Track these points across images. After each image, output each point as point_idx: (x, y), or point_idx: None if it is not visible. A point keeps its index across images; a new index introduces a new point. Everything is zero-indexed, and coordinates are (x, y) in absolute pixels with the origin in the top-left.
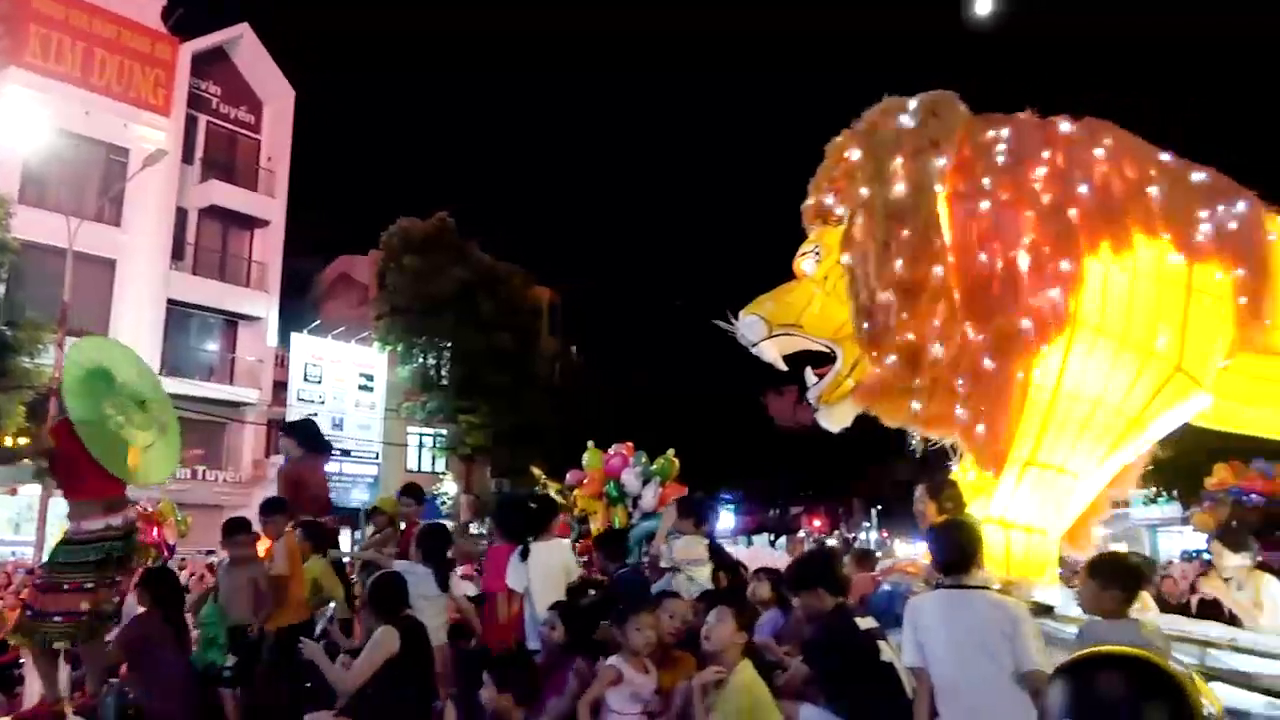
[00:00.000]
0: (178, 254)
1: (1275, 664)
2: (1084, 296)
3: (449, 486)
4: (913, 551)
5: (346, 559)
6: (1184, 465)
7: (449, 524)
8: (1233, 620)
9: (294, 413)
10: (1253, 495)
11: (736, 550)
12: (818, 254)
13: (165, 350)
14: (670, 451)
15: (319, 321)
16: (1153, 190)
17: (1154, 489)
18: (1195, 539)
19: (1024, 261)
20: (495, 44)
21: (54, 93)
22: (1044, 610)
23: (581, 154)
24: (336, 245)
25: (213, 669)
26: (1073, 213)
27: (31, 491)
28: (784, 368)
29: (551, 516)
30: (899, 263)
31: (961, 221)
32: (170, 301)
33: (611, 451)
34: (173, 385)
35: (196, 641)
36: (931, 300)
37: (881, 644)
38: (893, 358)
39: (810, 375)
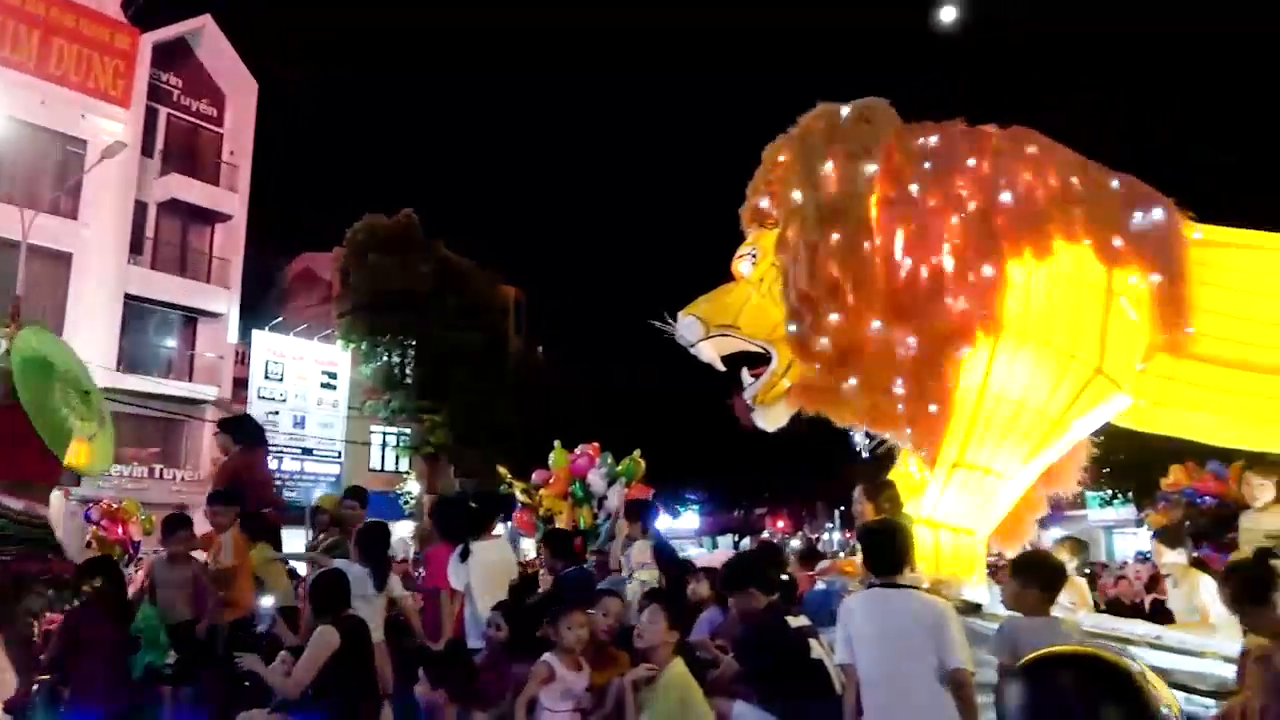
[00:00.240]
0: (136, 248)
1: (1191, 660)
2: (1008, 301)
3: (412, 486)
4: None
5: (293, 560)
6: (1139, 467)
7: (413, 524)
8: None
9: (255, 410)
10: (1206, 497)
11: (701, 551)
12: (754, 256)
13: (123, 346)
14: (636, 452)
15: (281, 318)
16: (1074, 197)
17: (1109, 491)
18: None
19: (950, 266)
20: (462, 40)
21: (9, 81)
22: (971, 608)
23: (549, 152)
24: (300, 241)
25: (153, 668)
26: (997, 218)
27: None
28: (722, 368)
29: (493, 517)
30: (830, 265)
31: (890, 226)
32: (128, 296)
33: (578, 451)
34: (130, 382)
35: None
36: (861, 303)
37: (812, 642)
38: (823, 359)
39: (746, 376)
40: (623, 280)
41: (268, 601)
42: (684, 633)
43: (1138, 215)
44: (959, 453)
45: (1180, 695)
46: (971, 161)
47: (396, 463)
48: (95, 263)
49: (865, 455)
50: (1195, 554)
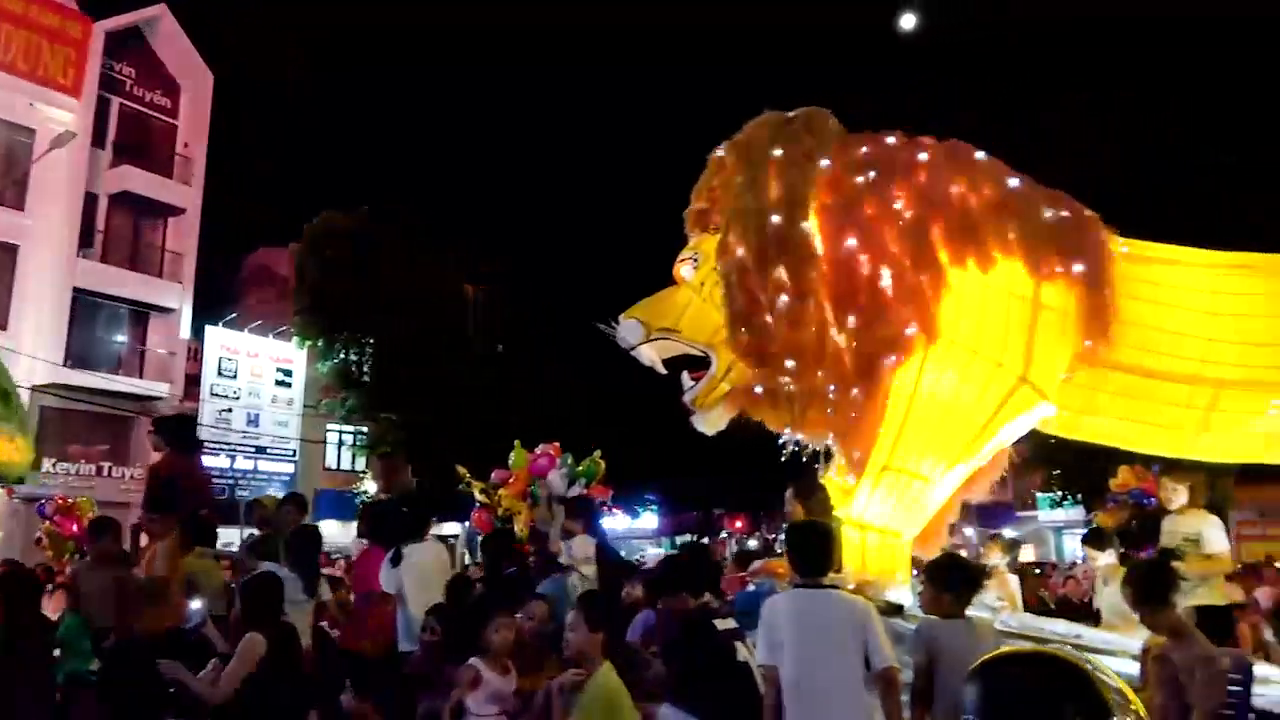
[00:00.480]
0: (86, 241)
1: (1108, 660)
2: (941, 309)
3: (369, 486)
4: None
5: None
6: (1088, 469)
7: None
8: None
9: (207, 408)
10: (1152, 498)
11: (659, 551)
12: (696, 260)
13: (71, 341)
14: (597, 453)
15: (236, 314)
16: (1008, 210)
17: (1059, 492)
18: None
19: (886, 274)
20: (422, 34)
21: None
22: (895, 609)
23: (511, 151)
24: (256, 236)
25: (75, 675)
26: (932, 230)
27: None
28: (663, 371)
29: (426, 520)
30: (769, 271)
31: (830, 234)
32: (76, 290)
33: (538, 451)
34: (79, 378)
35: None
36: (800, 309)
37: (739, 644)
38: (761, 363)
39: (686, 379)
40: (583, 280)
41: (197, 604)
42: (619, 635)
43: (1067, 230)
44: (888, 456)
45: None
46: (910, 172)
47: (353, 462)
48: (43, 255)
49: (803, 459)
50: (1141, 555)
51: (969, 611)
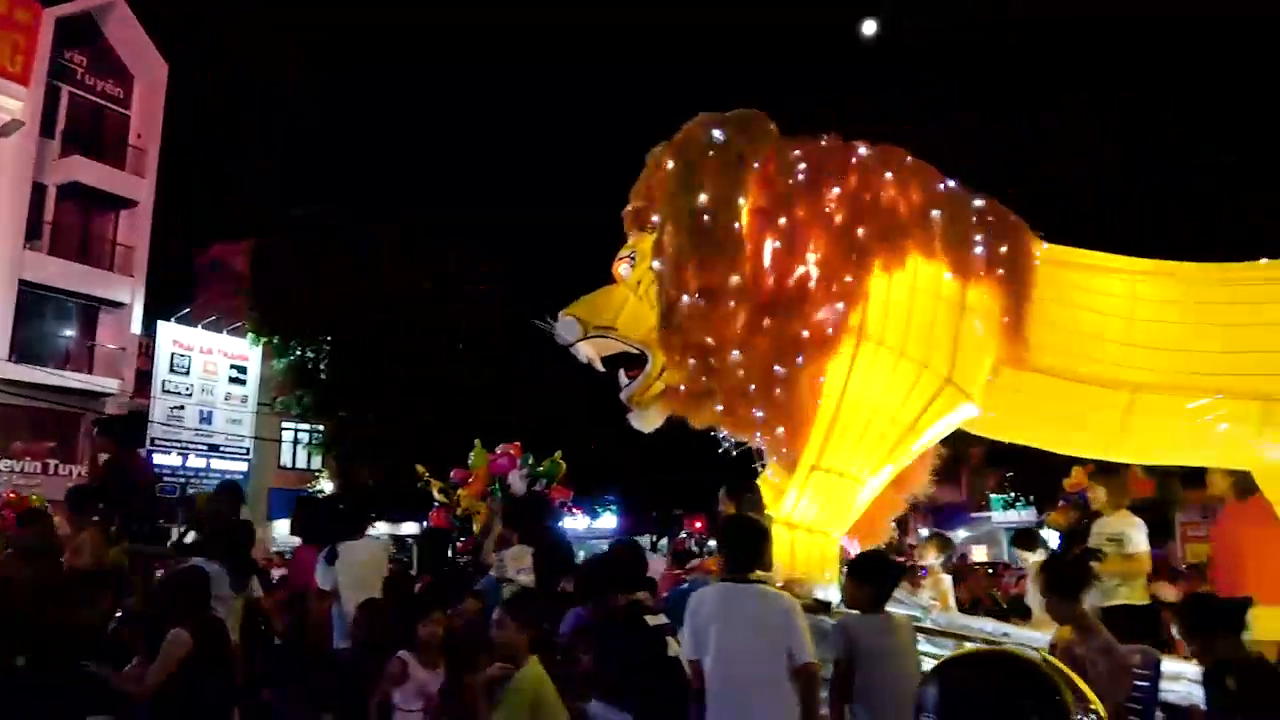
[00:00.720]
0: (33, 233)
1: None
2: (868, 311)
3: (325, 485)
4: None
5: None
6: (1041, 471)
7: None
8: None
9: (159, 405)
10: None
11: None
12: (633, 259)
13: (16, 335)
14: (558, 453)
15: (189, 310)
16: (935, 214)
17: (1012, 494)
18: (1051, 542)
19: (815, 275)
20: (383, 28)
21: None
22: (822, 607)
23: (511, 151)
24: (212, 231)
25: None
26: (861, 232)
27: None
28: (601, 368)
29: (363, 517)
30: (701, 270)
31: (761, 235)
32: (23, 283)
33: (498, 451)
34: (24, 373)
35: None
36: (730, 308)
37: (670, 640)
38: (692, 362)
39: (623, 377)
40: (583, 280)
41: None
42: (554, 632)
43: (993, 235)
44: (817, 457)
45: None
46: (841, 175)
47: (309, 461)
48: None
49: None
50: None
51: (893, 608)
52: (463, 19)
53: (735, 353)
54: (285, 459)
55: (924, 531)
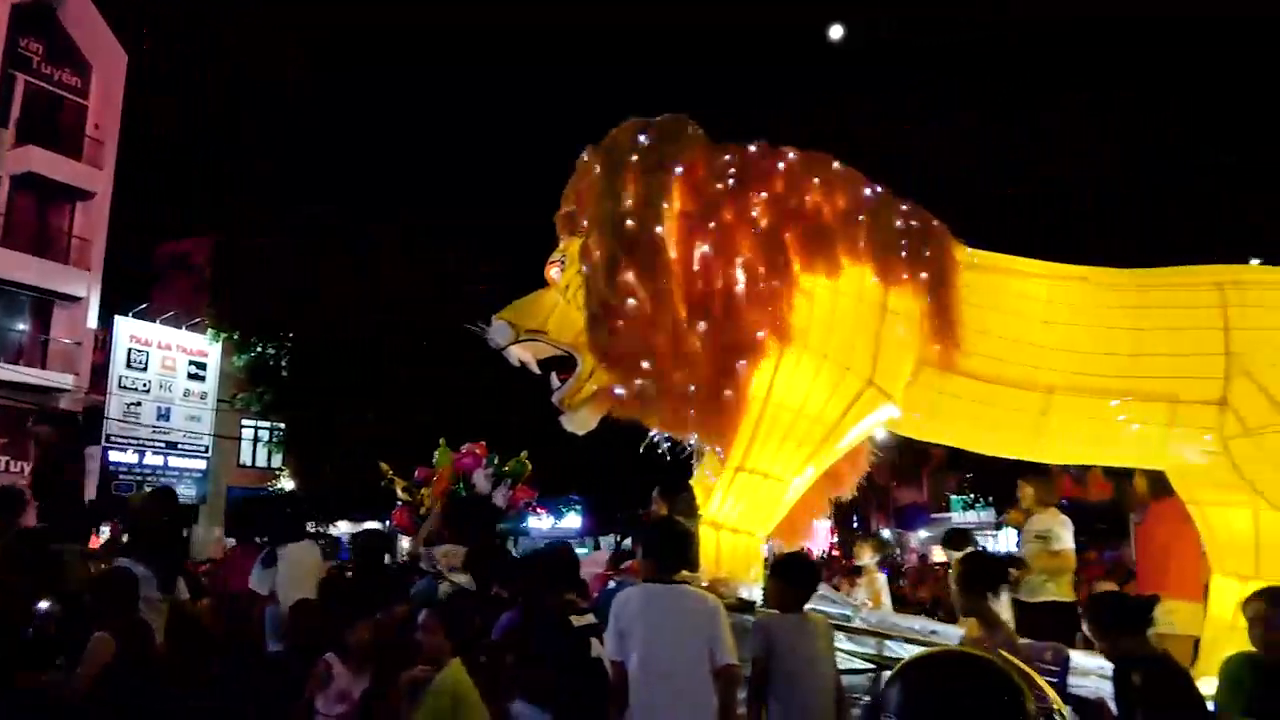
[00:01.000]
0: None
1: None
2: (793, 315)
3: (286, 484)
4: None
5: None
6: (1000, 472)
7: None
8: None
9: (115, 401)
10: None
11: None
12: (562, 263)
13: None
14: (524, 453)
15: (147, 305)
16: (860, 219)
17: (971, 495)
18: (1009, 542)
19: (742, 279)
20: (383, 28)
21: None
22: (746, 606)
23: (472, 146)
24: (172, 225)
25: None
26: (787, 236)
27: None
28: (537, 371)
29: (303, 520)
30: (626, 275)
31: (689, 239)
32: None
33: (463, 450)
34: None
35: None
36: (656, 312)
37: (594, 640)
38: (617, 365)
39: (555, 380)
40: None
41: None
42: (486, 633)
43: (916, 240)
44: (742, 458)
45: None
46: (768, 180)
47: (269, 458)
48: None
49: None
50: None
51: (825, 607)
52: (463, 19)
53: (661, 356)
54: (245, 457)
55: (885, 533)
